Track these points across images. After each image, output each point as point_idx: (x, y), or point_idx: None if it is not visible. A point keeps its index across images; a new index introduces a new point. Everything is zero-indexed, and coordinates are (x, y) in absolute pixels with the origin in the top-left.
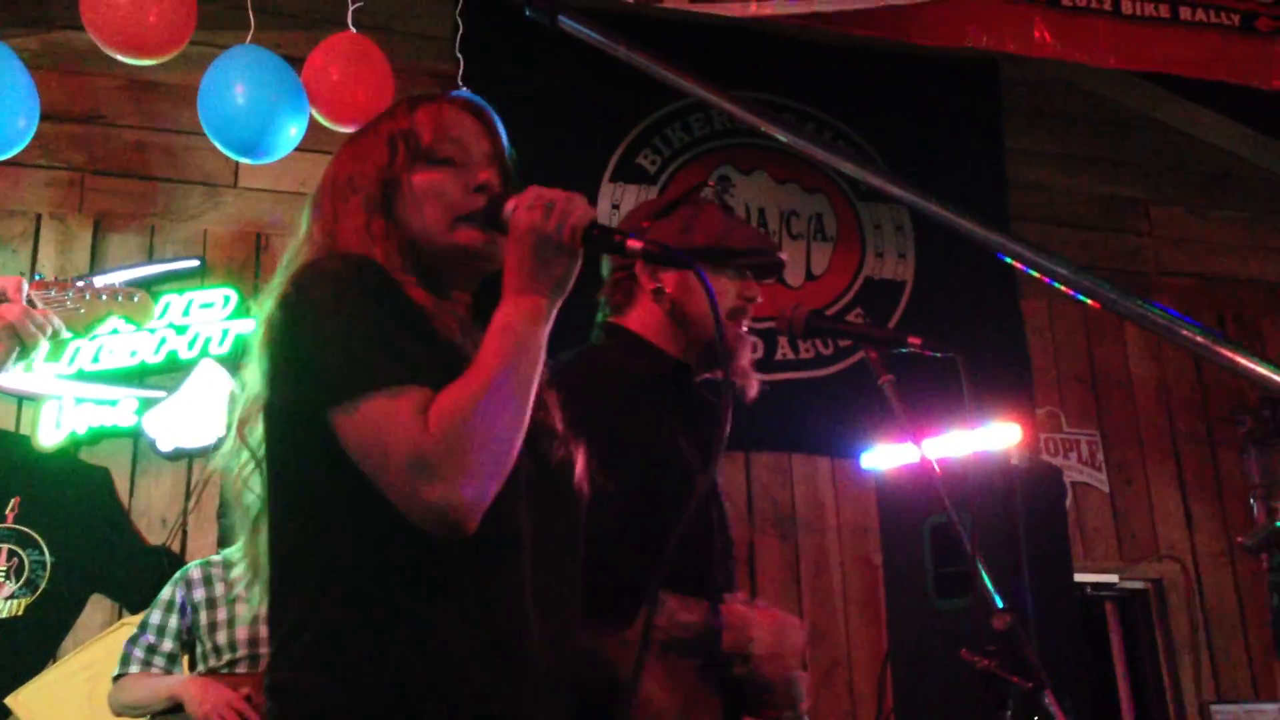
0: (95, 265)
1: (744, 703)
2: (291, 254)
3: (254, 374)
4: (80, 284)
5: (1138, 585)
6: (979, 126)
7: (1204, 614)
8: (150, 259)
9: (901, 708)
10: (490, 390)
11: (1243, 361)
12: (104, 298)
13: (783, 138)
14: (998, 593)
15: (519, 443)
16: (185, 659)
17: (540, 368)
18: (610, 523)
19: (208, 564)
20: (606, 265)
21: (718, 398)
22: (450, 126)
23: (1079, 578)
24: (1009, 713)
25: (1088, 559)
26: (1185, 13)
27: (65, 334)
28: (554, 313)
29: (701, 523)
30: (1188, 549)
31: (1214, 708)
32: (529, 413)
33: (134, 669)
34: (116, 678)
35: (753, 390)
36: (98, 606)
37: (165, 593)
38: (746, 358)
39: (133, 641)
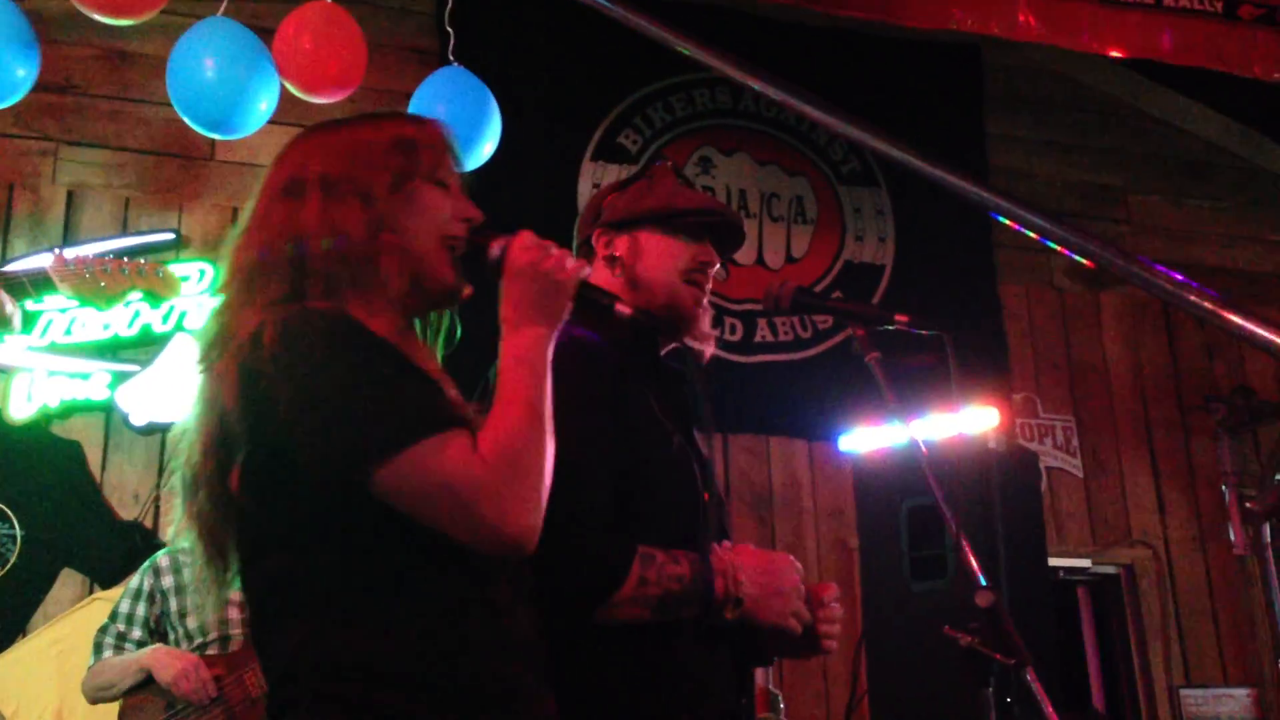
0: (68, 237)
1: (757, 653)
2: (233, 239)
3: (228, 419)
4: (102, 257)
5: (1110, 570)
6: (960, 111)
7: (1175, 599)
8: (124, 231)
9: (875, 690)
10: (530, 421)
11: (1248, 325)
12: (126, 272)
13: (774, 95)
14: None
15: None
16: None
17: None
18: (593, 491)
19: (176, 551)
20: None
21: (680, 364)
22: (449, 153)
23: (1052, 562)
24: (990, 689)
25: (1061, 543)
26: None
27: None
28: (551, 344)
29: (686, 482)
30: (1160, 535)
31: (1183, 692)
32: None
33: (107, 655)
34: (90, 668)
35: (709, 352)
36: (68, 581)
37: (134, 581)
38: (706, 322)
39: (103, 631)
